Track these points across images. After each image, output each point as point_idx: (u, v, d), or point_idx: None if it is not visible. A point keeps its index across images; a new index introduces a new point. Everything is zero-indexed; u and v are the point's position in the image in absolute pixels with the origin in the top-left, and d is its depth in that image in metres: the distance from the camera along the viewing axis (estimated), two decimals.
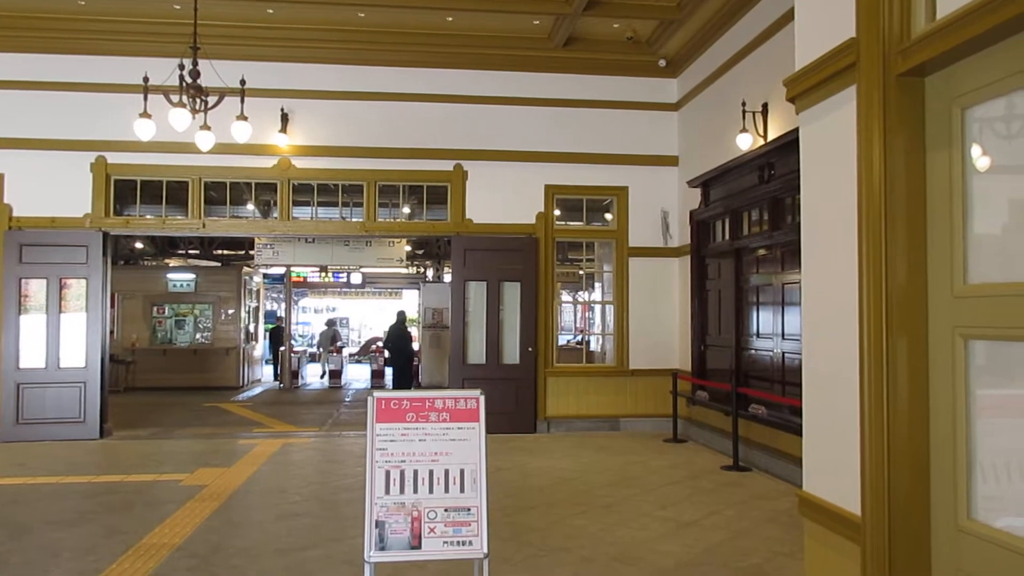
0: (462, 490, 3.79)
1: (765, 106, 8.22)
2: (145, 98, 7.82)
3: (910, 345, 2.65)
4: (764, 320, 8.59)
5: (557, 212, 11.01)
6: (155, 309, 17.01)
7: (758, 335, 8.70)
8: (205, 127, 8.06)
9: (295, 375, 17.78)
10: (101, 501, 6.69)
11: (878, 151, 2.72)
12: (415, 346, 16.90)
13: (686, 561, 5.16)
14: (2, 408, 9.56)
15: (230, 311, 17.06)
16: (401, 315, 15.74)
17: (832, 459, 3.02)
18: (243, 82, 8.19)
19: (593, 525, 6.00)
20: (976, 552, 2.42)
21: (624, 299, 10.76)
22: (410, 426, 3.87)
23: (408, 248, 18.31)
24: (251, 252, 15.78)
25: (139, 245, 18.74)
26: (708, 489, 7.29)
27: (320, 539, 5.62)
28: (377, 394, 3.89)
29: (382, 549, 3.68)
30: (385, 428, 3.86)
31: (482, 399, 3.87)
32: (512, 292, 10.59)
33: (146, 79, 7.73)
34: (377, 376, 17.72)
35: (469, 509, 3.77)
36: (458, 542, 3.75)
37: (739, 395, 8.24)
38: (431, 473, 3.80)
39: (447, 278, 17.06)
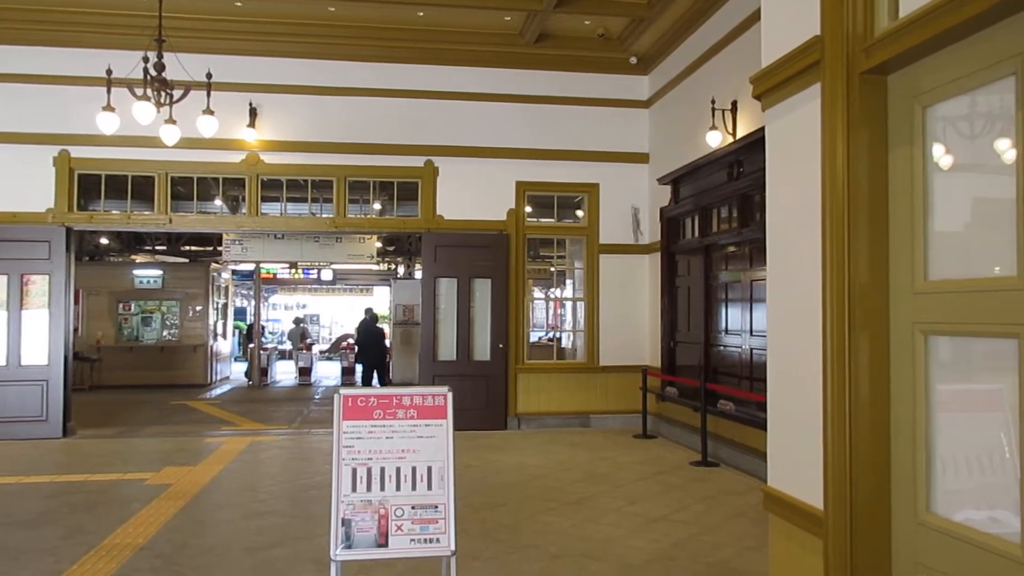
0: (429, 487, 3.77)
1: (734, 104, 8.28)
2: (109, 91, 7.69)
3: (872, 341, 2.68)
4: (733, 317, 8.66)
5: (528, 209, 11.02)
6: (121, 306, 16.74)
7: (727, 331, 8.77)
8: (170, 121, 7.94)
9: (264, 372, 17.62)
10: (63, 501, 6.57)
11: (842, 148, 2.74)
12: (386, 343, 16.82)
13: (654, 556, 5.18)
14: None
15: (198, 308, 16.86)
16: (370, 312, 15.67)
17: (795, 454, 3.05)
18: (209, 76, 8.08)
19: (563, 521, 6.01)
20: (935, 545, 2.45)
21: (595, 296, 10.79)
22: (377, 423, 3.84)
23: (379, 244, 18.20)
24: (219, 248, 15.56)
25: (104, 241, 18.43)
26: (677, 485, 7.34)
27: (287, 538, 5.56)
28: (344, 391, 3.86)
29: (348, 547, 3.65)
30: (352, 425, 3.83)
31: (450, 396, 3.85)
32: (483, 289, 10.57)
33: (109, 72, 7.59)
34: (348, 373, 17.61)
35: (436, 506, 3.75)
36: (425, 540, 3.73)
37: (708, 391, 8.30)
38: (398, 470, 3.77)
39: (418, 275, 16.98)
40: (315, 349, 21.00)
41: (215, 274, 17.61)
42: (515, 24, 10.04)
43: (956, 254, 2.48)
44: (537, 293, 22.22)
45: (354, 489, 3.71)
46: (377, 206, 12.69)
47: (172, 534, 5.61)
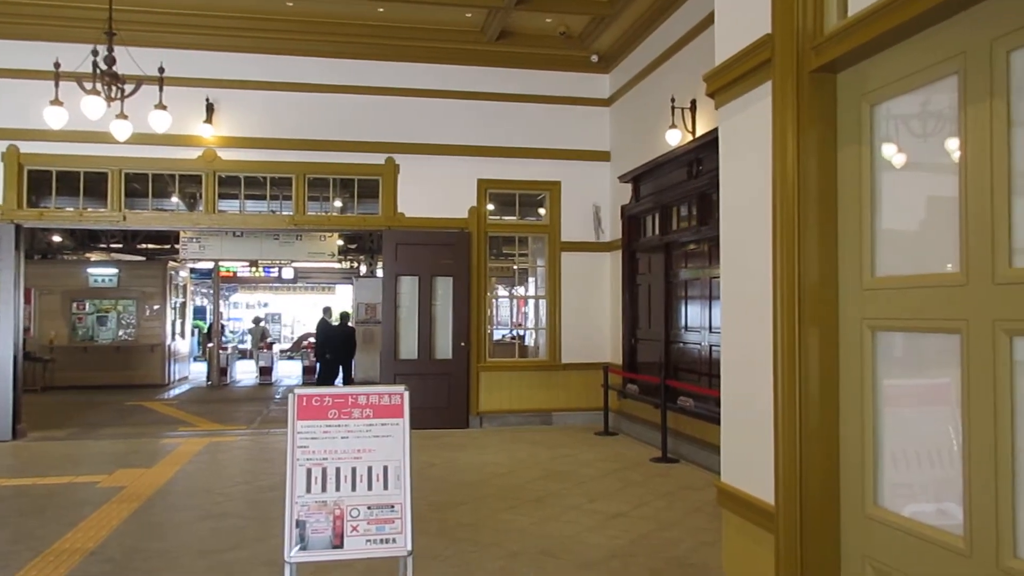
0: (385, 487, 3.73)
1: (694, 102, 8.34)
2: (57, 85, 7.50)
3: (821, 337, 2.71)
4: (692, 314, 8.72)
5: (490, 207, 10.99)
6: (75, 305, 16.37)
7: (687, 328, 8.83)
8: (121, 116, 7.76)
9: (224, 372, 17.37)
10: (11, 505, 6.39)
11: (792, 146, 2.76)
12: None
13: (613, 553, 5.19)
14: None
15: (155, 307, 16.55)
16: (328, 311, 15.62)
17: (748, 450, 3.07)
18: (162, 70, 7.91)
19: (523, 519, 6.00)
20: (881, 538, 2.48)
21: (557, 293, 10.80)
22: (332, 423, 3.80)
23: (340, 242, 18.05)
24: (177, 246, 15.31)
25: (57, 239, 17.99)
26: (637, 481, 7.37)
27: (244, 540, 5.47)
28: (298, 391, 3.81)
29: (303, 549, 3.61)
30: (306, 425, 3.79)
31: (406, 395, 3.81)
32: (445, 287, 10.53)
33: (57, 65, 7.40)
34: (309, 372, 17.43)
35: (392, 506, 3.72)
36: (381, 540, 3.69)
37: (668, 388, 8.35)
38: (354, 471, 3.73)
39: (381, 273, 16.89)
40: (276, 348, 20.76)
41: (173, 272, 17.30)
42: (476, 21, 10.00)
43: (903, 251, 2.51)
44: (501, 291, 22.21)
45: (308, 490, 3.67)
46: (338, 204, 12.57)
47: (123, 538, 5.49)
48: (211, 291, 21.56)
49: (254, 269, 23.41)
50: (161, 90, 7.96)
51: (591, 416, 10.50)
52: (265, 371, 17.83)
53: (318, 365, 15.02)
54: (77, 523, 5.83)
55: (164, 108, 8.02)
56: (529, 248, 11.90)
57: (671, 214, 9.13)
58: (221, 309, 22.50)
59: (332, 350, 14.46)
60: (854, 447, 2.62)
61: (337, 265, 22.97)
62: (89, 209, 10.13)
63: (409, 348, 10.45)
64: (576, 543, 5.40)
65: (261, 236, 14.30)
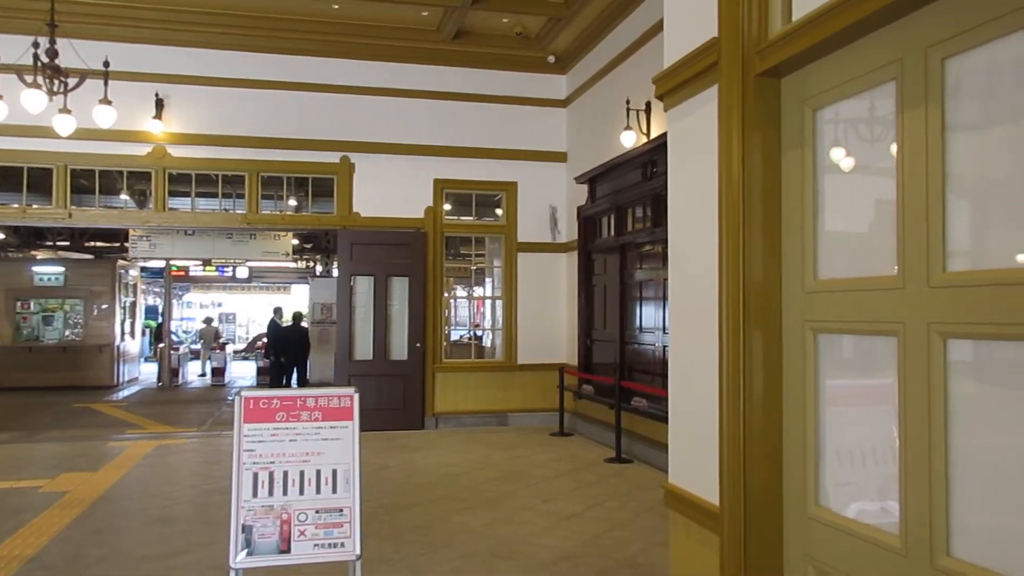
0: (334, 491, 3.70)
1: (648, 105, 8.40)
2: None
3: (765, 339, 2.73)
4: (647, 315, 8.79)
5: (447, 206, 10.95)
6: (19, 304, 15.93)
7: (641, 329, 8.90)
8: (65, 110, 7.56)
9: (175, 373, 17.03)
10: None
11: (737, 150, 2.78)
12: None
13: (565, 554, 5.20)
14: None
15: (104, 306, 16.17)
16: (279, 311, 15.45)
17: (694, 451, 3.09)
18: (107, 64, 7.73)
19: (476, 521, 5.98)
20: (821, 538, 2.51)
21: (513, 294, 10.80)
22: (280, 426, 3.75)
23: (295, 242, 17.84)
24: (126, 244, 14.96)
25: (1, 236, 17.48)
26: (591, 482, 7.40)
27: (190, 545, 5.37)
28: (245, 393, 3.77)
29: (249, 554, 3.55)
30: (253, 428, 3.75)
31: (356, 397, 3.77)
32: (401, 287, 10.46)
33: None
34: (264, 373, 17.18)
35: (341, 510, 3.68)
36: (330, 544, 3.65)
37: (622, 388, 8.40)
38: (302, 474, 3.69)
39: (336, 272, 16.72)
40: (230, 349, 20.43)
41: (122, 271, 16.93)
42: (433, 20, 9.95)
43: (844, 254, 2.55)
44: (459, 291, 22.15)
45: (255, 494, 3.62)
46: (292, 202, 12.41)
47: (65, 544, 5.34)
48: (163, 290, 21.12)
49: (207, 268, 23.00)
50: (107, 84, 7.78)
51: (547, 417, 10.52)
52: (218, 372, 17.54)
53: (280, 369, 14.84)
54: (16, 529, 5.67)
55: (109, 103, 7.84)
56: (486, 248, 11.89)
57: (626, 215, 9.19)
58: (174, 309, 22.07)
59: (285, 351, 14.26)
60: (796, 448, 2.65)
61: (292, 265, 22.70)
62: (34, 206, 9.87)
63: (364, 349, 10.36)
64: (528, 545, 5.40)
65: (214, 235, 14.05)
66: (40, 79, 7.10)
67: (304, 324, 15.33)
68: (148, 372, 19.21)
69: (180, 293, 32.50)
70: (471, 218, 11.51)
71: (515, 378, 10.75)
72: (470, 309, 23.43)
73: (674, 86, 3.25)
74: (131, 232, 13.93)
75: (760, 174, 2.74)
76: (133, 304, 18.25)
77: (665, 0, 3.44)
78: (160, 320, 19.40)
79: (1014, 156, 1.97)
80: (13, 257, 18.24)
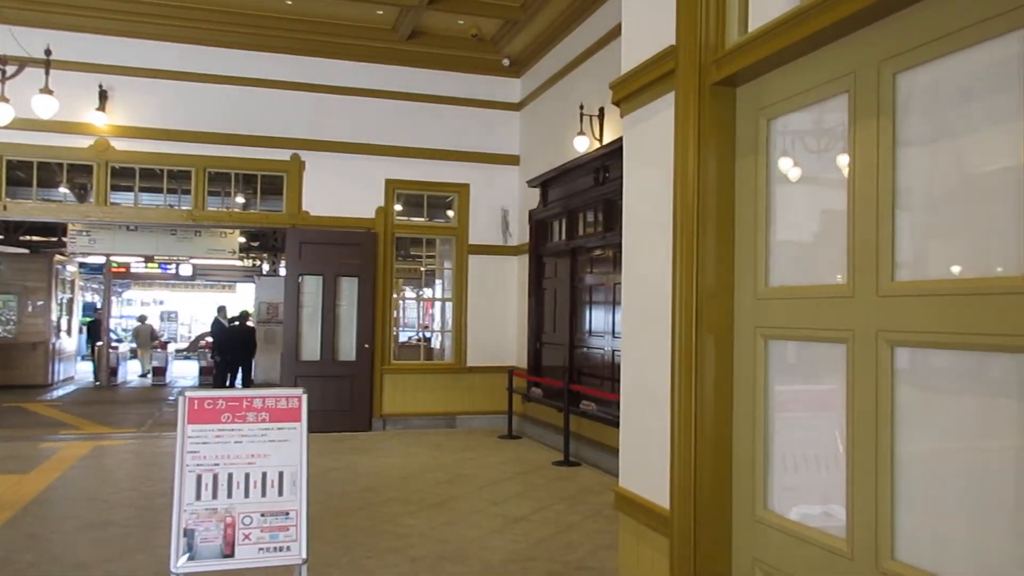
0: (280, 493, 3.63)
1: (602, 110, 8.46)
2: None
3: (717, 344, 2.76)
4: (597, 319, 8.85)
5: (399, 207, 10.87)
6: None
7: (591, 333, 8.95)
8: (2, 98, 7.30)
9: (114, 372, 16.56)
10: None
11: (692, 157, 2.81)
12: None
13: (513, 557, 5.19)
14: None
15: (39, 303, 15.63)
16: (223, 310, 15.16)
17: (645, 455, 3.11)
18: (48, 52, 7.49)
19: (423, 524, 5.94)
20: (769, 541, 2.55)
21: (463, 296, 10.77)
22: (225, 427, 3.67)
23: (242, 240, 17.51)
24: (64, 239, 14.50)
25: None
26: (539, 485, 7.41)
27: (127, 550, 5.21)
28: (189, 393, 3.68)
29: (191, 559, 3.46)
30: (197, 430, 3.66)
31: (305, 398, 3.71)
32: (350, 287, 10.35)
33: None
34: (207, 373, 16.83)
35: (287, 513, 3.61)
36: (275, 548, 3.59)
37: (571, 391, 8.44)
38: (247, 476, 3.62)
39: (284, 271, 16.46)
40: (171, 347, 19.95)
41: (60, 267, 16.41)
42: (388, 19, 9.87)
43: (795, 262, 2.60)
44: (408, 293, 22.01)
45: (199, 497, 3.53)
46: (240, 199, 12.17)
47: None
48: (102, 287, 20.53)
49: (150, 265, 22.43)
50: (48, 73, 7.53)
51: (495, 419, 10.51)
52: (159, 371, 17.13)
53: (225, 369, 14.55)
54: None
55: (50, 92, 7.59)
56: (437, 250, 11.84)
57: (578, 220, 9.24)
58: (113, 306, 21.47)
59: (230, 350, 13.98)
60: (745, 452, 2.68)
61: (239, 263, 22.25)
62: None
63: (312, 349, 10.21)
64: (477, 547, 5.38)
65: (157, 231, 13.73)
66: None
67: (250, 323, 15.06)
68: (84, 371, 18.65)
69: (120, 290, 31.66)
70: (422, 219, 11.44)
71: (464, 380, 10.72)
72: (419, 310, 23.29)
73: (631, 92, 3.27)
74: (70, 227, 13.52)
75: (714, 181, 2.78)
76: (70, 301, 17.71)
77: (623, 7, 3.46)
78: (95, 317, 18.81)
79: (958, 171, 2.03)
80: None
